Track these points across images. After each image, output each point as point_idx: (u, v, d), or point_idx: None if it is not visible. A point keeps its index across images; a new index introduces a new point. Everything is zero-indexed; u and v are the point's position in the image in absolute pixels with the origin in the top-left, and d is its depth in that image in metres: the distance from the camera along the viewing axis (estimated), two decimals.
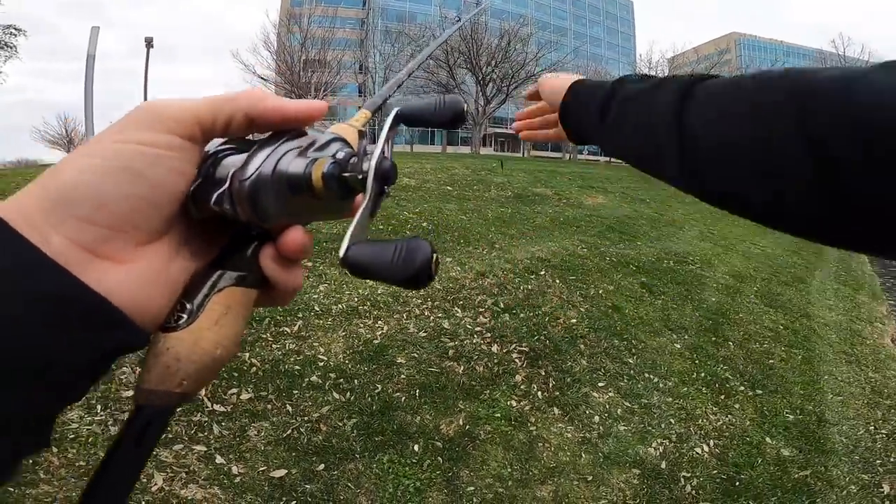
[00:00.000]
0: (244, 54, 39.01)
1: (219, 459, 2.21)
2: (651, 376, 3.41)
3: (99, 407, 2.34)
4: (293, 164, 0.25)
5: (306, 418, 2.55)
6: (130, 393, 2.44)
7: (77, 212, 0.19)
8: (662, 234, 8.29)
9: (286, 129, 0.26)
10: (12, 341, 0.17)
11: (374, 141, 0.28)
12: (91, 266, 0.19)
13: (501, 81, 25.25)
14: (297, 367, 2.92)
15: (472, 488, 2.30)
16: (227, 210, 0.23)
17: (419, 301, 3.89)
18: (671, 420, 2.97)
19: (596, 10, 49.84)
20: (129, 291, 0.20)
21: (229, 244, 0.26)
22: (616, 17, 52.48)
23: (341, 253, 0.26)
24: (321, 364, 2.99)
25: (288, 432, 2.44)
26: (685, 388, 3.34)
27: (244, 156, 0.24)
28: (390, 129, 0.30)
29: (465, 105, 0.33)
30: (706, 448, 2.79)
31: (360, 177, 0.26)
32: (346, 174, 0.26)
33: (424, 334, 3.45)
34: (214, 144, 0.25)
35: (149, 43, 24.93)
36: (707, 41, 54.24)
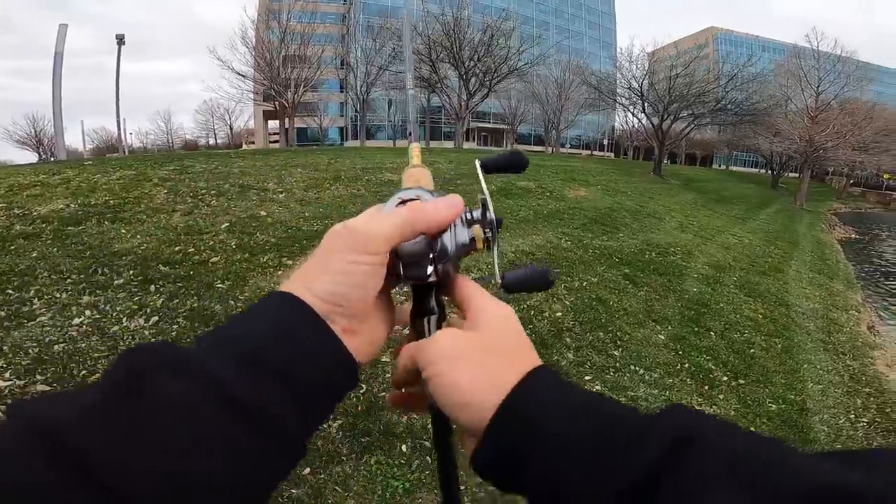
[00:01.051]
0: (221, 50, 38.07)
1: None
2: (636, 368, 3.43)
3: None
4: (461, 235, 0.37)
5: None
6: None
7: (335, 309, 0.32)
8: (644, 225, 8.38)
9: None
10: (322, 381, 0.30)
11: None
12: (345, 337, 0.32)
13: (484, 76, 25.16)
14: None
15: (462, 487, 2.27)
16: (431, 280, 0.37)
17: (403, 298, 3.84)
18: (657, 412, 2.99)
19: (577, 4, 50.06)
20: (359, 351, 0.33)
21: (417, 300, 0.39)
22: (597, 12, 52.79)
23: (499, 280, 0.39)
24: None
25: None
26: (670, 380, 3.36)
27: (435, 242, 0.37)
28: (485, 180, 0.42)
29: (527, 161, 0.43)
30: None
31: (489, 231, 0.38)
32: (489, 232, 0.38)
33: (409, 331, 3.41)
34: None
35: (120, 40, 24.17)
36: (687, 35, 55.06)
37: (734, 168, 45.36)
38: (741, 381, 3.56)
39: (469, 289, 0.37)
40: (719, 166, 46.83)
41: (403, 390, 0.40)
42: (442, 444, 0.38)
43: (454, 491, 0.39)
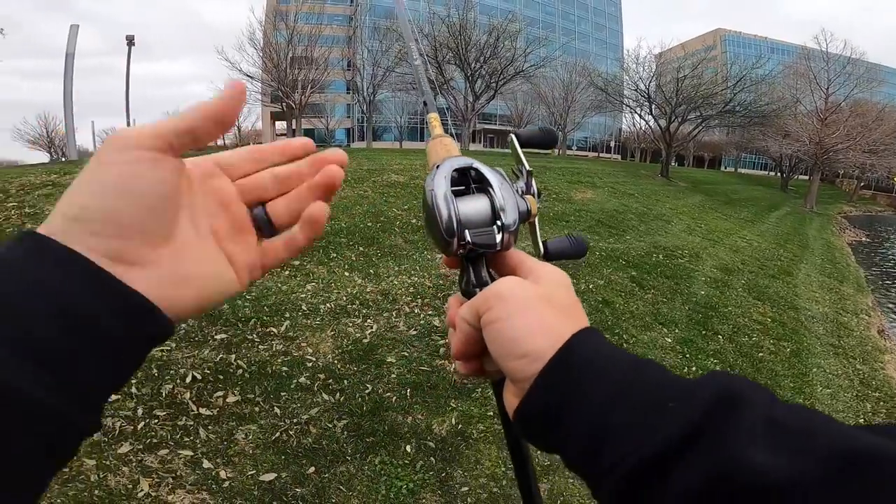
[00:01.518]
0: (229, 51, 38.41)
1: (206, 464, 2.15)
2: None
3: None
4: (520, 204, 0.38)
5: (295, 420, 2.50)
6: (112, 397, 2.36)
7: (93, 229, 0.24)
8: (651, 228, 8.33)
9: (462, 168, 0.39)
10: (77, 328, 0.22)
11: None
12: (117, 270, 0.24)
13: (490, 77, 25.16)
14: (284, 368, 2.86)
15: (466, 488, 2.26)
16: (498, 249, 0.36)
17: (409, 299, 3.85)
18: None
19: (584, 6, 50.00)
20: (152, 289, 0.24)
21: (472, 271, 0.37)
22: (604, 13, 52.66)
23: (542, 250, 0.41)
24: (309, 365, 2.93)
25: (277, 435, 2.39)
26: None
27: (493, 203, 0.37)
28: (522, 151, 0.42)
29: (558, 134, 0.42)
30: None
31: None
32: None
33: (415, 332, 3.41)
34: (444, 185, 0.37)
35: (130, 41, 24.43)
36: (694, 37, 54.76)
37: (743, 170, 45.00)
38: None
39: (521, 255, 0.37)
40: (728, 168, 46.48)
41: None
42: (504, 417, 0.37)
43: (531, 479, 0.40)
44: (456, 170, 0.37)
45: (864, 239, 18.10)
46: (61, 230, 0.23)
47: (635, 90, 23.05)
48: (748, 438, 0.22)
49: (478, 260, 0.37)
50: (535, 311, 0.31)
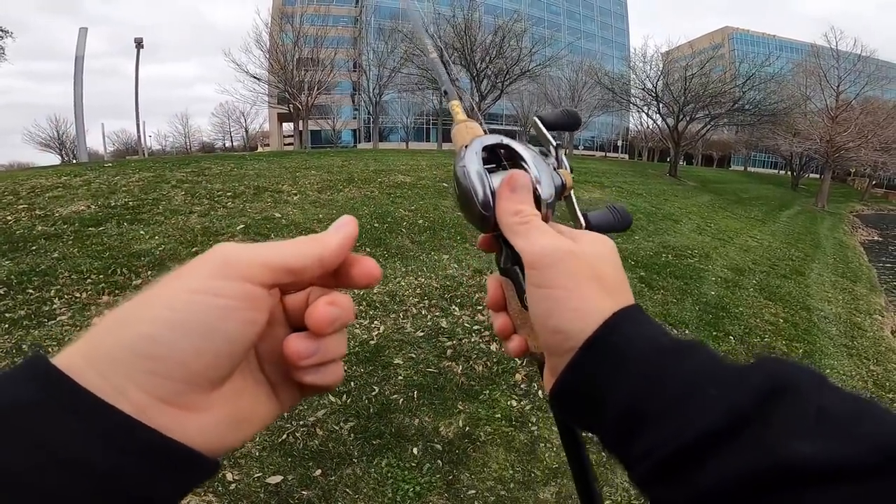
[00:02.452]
0: (236, 53, 38.68)
1: None
2: None
3: None
4: (555, 178, 0.37)
5: (302, 423, 2.50)
6: None
7: (154, 368, 0.20)
8: (659, 228, 8.26)
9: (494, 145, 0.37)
10: (116, 490, 0.18)
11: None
12: (168, 415, 0.20)
13: (496, 77, 25.13)
14: None
15: (473, 492, 2.25)
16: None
17: (416, 300, 3.83)
18: None
19: (589, 4, 49.75)
20: (204, 436, 0.21)
21: (506, 248, 0.35)
22: (609, 12, 52.36)
23: (582, 223, 0.39)
24: None
25: (283, 437, 2.39)
26: None
27: (533, 176, 0.35)
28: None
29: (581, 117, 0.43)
30: None
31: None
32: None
33: (422, 334, 3.40)
34: (476, 161, 0.35)
35: (139, 44, 24.71)
36: (702, 35, 54.31)
37: (752, 169, 44.55)
38: None
39: (561, 228, 0.35)
40: (737, 167, 46.01)
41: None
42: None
43: (587, 467, 0.38)
44: (486, 147, 0.36)
45: (876, 238, 17.82)
46: (108, 359, 0.20)
47: (642, 89, 22.92)
48: (795, 430, 0.21)
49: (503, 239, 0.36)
50: (578, 285, 0.29)
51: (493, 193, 0.34)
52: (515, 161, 0.36)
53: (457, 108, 0.44)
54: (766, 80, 23.41)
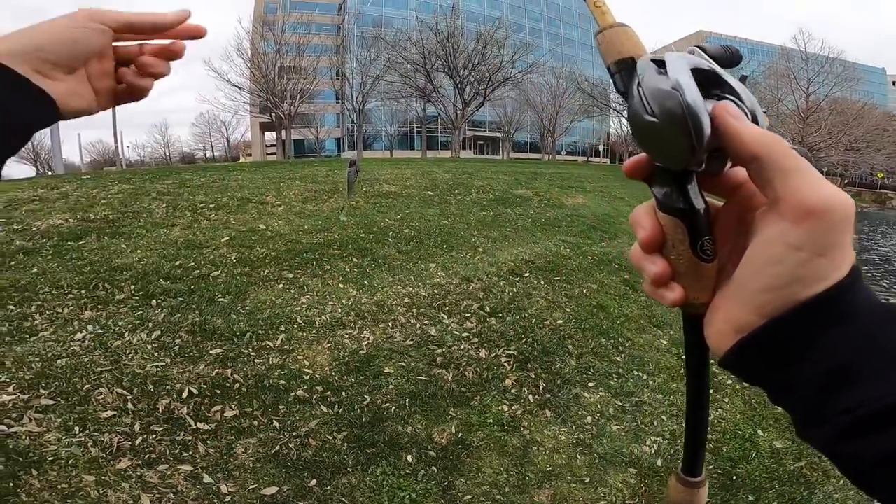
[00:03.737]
0: (216, 62, 38.22)
1: (206, 479, 2.14)
2: (640, 374, 3.43)
3: (77, 428, 2.26)
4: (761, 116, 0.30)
5: (295, 433, 2.49)
6: (108, 413, 2.37)
7: (39, 55, 0.38)
8: None
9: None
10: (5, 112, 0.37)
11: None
12: (41, 80, 0.38)
13: (479, 84, 25.39)
14: (282, 381, 2.85)
15: (469, 497, 2.27)
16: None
17: (404, 309, 3.85)
18: (663, 417, 2.99)
19: (569, 11, 50.58)
20: (57, 95, 0.39)
21: (686, 185, 0.31)
22: (588, 18, 53.26)
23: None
24: (307, 377, 2.92)
25: (277, 448, 2.38)
26: (674, 385, 3.37)
27: (748, 111, 0.30)
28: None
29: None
30: None
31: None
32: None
33: (411, 342, 3.41)
34: (692, 85, 0.28)
35: None
36: (677, 39, 55.61)
37: None
38: (745, 384, 3.56)
39: (797, 160, 0.27)
40: None
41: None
42: (699, 350, 0.34)
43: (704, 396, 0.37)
44: (696, 68, 0.29)
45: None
46: (19, 51, 0.37)
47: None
48: None
49: (687, 175, 0.31)
50: (845, 250, 0.26)
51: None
52: (723, 90, 0.30)
53: (601, 4, 0.35)
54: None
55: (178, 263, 4.19)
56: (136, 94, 0.46)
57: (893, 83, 63.80)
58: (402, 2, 37.57)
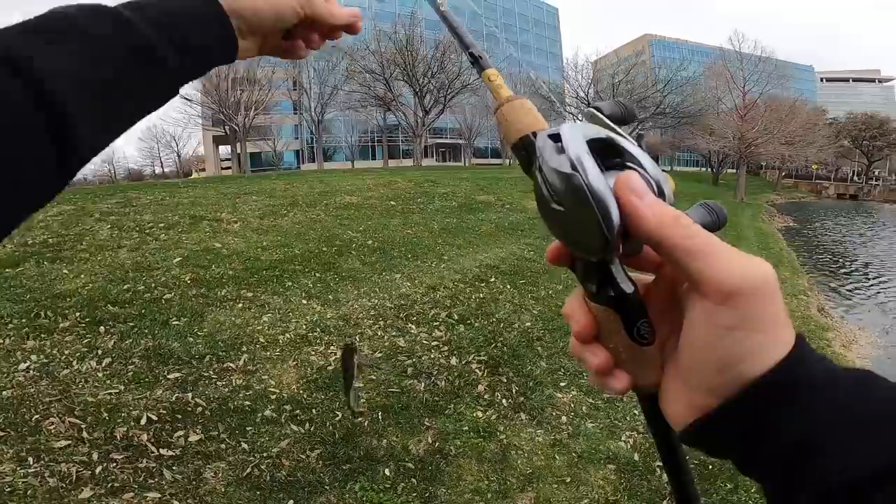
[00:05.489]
0: None
1: None
2: None
3: (31, 459, 2.14)
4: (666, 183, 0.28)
5: (265, 454, 2.39)
6: (62, 443, 2.27)
7: (249, 17, 0.41)
8: None
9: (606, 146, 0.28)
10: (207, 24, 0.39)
11: None
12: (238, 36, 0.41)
13: (438, 92, 25.57)
14: (247, 402, 2.73)
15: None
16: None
17: (370, 322, 3.78)
18: (635, 412, 3.06)
19: (525, 18, 51.87)
20: (243, 48, 0.42)
21: (605, 276, 0.29)
22: (543, 25, 54.81)
23: None
24: (273, 397, 2.81)
25: (248, 471, 2.28)
26: None
27: (652, 181, 0.27)
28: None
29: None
30: None
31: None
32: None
33: (380, 355, 3.35)
34: (592, 164, 0.26)
35: None
36: (625, 43, 58.07)
37: (678, 168, 47.81)
38: None
39: (678, 237, 0.25)
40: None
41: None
42: (662, 429, 0.31)
43: (687, 476, 0.33)
44: (593, 139, 0.27)
45: (792, 224, 19.64)
46: (236, 3, 0.39)
47: (576, 97, 24.09)
48: None
49: (605, 266, 0.29)
50: (776, 323, 0.25)
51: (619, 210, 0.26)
52: (623, 160, 0.28)
53: (497, 78, 0.35)
54: (682, 84, 25.35)
55: (126, 287, 3.96)
56: (291, 57, 0.51)
57: (821, 80, 69.07)
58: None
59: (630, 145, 0.28)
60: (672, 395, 0.28)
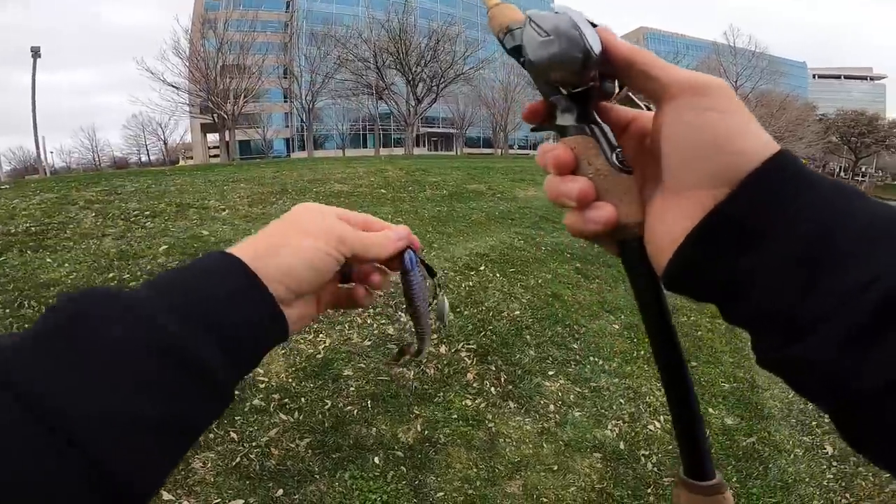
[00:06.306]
0: (150, 61, 35.73)
1: (167, 496, 2.04)
2: (596, 359, 3.54)
3: None
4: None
5: (255, 443, 2.39)
6: None
7: (286, 281, 0.33)
8: None
9: None
10: (264, 333, 0.33)
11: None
12: (282, 307, 0.33)
13: (431, 81, 25.34)
14: (235, 391, 2.72)
15: (441, 494, 2.26)
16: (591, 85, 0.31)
17: (360, 309, 3.77)
18: (621, 401, 3.10)
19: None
20: (292, 319, 0.34)
21: (583, 107, 0.32)
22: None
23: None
24: (262, 386, 2.80)
25: (237, 460, 2.28)
26: (629, 368, 3.50)
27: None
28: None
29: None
30: (658, 424, 2.92)
31: None
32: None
33: (370, 343, 3.35)
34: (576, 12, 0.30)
35: (35, 52, 22.38)
36: (621, 35, 57.72)
37: None
38: (693, 363, 3.76)
39: (647, 56, 0.29)
40: None
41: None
42: (648, 278, 0.31)
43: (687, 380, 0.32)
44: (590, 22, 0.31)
45: None
46: (263, 271, 0.32)
47: None
48: None
49: (585, 96, 0.31)
50: (746, 113, 0.26)
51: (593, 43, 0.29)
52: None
53: None
54: None
55: (111, 276, 3.91)
56: (353, 307, 0.46)
57: (814, 76, 69.58)
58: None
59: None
60: (664, 227, 0.28)
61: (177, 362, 0.26)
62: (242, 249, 0.33)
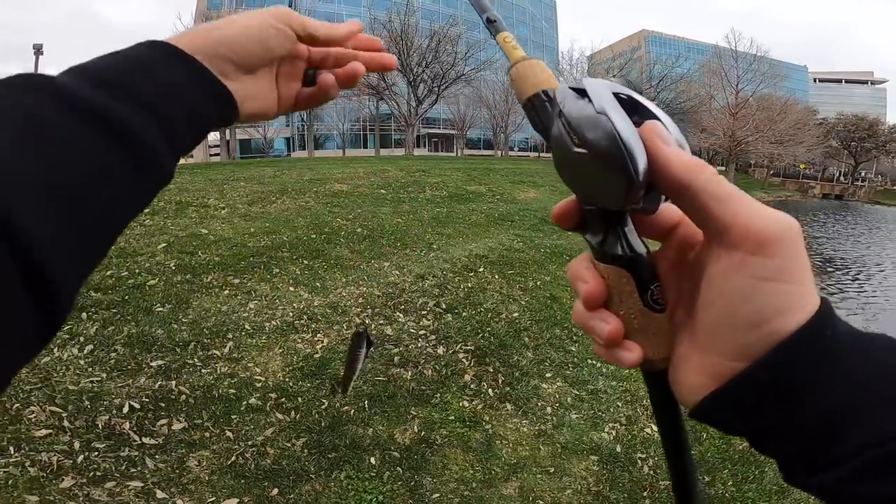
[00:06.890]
0: None
1: (160, 494, 2.04)
2: (594, 362, 3.54)
3: (12, 448, 2.12)
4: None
5: (250, 443, 2.39)
6: (43, 432, 2.24)
7: (224, 53, 0.34)
8: None
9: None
10: (191, 104, 0.32)
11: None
12: (227, 81, 0.34)
13: (432, 82, 25.38)
14: (232, 390, 2.71)
15: (437, 495, 2.25)
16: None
17: (358, 310, 3.77)
18: (618, 403, 3.10)
19: (522, 10, 51.46)
20: (240, 95, 0.35)
21: (620, 229, 0.28)
22: (540, 17, 54.50)
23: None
24: (259, 385, 2.80)
25: (232, 459, 2.27)
26: (626, 371, 3.50)
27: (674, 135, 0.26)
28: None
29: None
30: (654, 428, 2.91)
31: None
32: None
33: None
34: (620, 112, 0.25)
35: (38, 50, 22.36)
36: (621, 38, 57.97)
37: None
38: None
39: (707, 181, 0.24)
40: None
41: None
42: (669, 408, 0.29)
43: (690, 469, 0.31)
44: (617, 94, 0.27)
45: None
46: (202, 46, 0.33)
47: None
48: None
49: (623, 217, 0.28)
50: (804, 273, 0.23)
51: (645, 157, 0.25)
52: (643, 117, 0.27)
53: (511, 40, 0.35)
54: (677, 81, 25.47)
55: (109, 273, 3.90)
56: (321, 100, 0.44)
57: (815, 80, 69.74)
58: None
59: (650, 104, 0.27)
60: (692, 367, 0.26)
61: (87, 119, 0.26)
62: (176, 37, 0.33)
